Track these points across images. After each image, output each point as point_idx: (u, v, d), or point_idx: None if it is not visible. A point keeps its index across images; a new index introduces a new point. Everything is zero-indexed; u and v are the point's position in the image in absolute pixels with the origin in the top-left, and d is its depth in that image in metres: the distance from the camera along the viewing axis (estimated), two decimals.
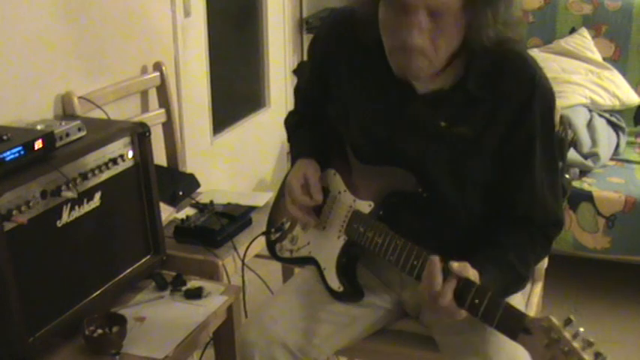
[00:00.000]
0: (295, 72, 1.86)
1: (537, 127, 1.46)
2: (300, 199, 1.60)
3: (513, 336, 1.26)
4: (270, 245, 1.78)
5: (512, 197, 1.51)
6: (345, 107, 1.61)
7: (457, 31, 1.38)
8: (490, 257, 1.44)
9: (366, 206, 1.56)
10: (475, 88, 1.45)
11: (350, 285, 1.60)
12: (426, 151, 1.51)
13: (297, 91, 1.89)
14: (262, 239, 1.85)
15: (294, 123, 1.81)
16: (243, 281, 1.95)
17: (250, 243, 1.92)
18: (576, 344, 1.16)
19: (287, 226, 1.75)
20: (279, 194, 1.82)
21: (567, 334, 1.17)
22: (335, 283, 1.60)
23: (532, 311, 1.86)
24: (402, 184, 1.53)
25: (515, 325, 1.25)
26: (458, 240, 1.52)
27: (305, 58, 3.62)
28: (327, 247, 1.62)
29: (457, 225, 1.55)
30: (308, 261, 1.68)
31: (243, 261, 1.93)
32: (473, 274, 1.34)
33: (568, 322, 1.18)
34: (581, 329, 1.17)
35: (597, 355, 1.15)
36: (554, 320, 1.19)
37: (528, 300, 1.91)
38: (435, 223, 1.54)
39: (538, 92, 1.45)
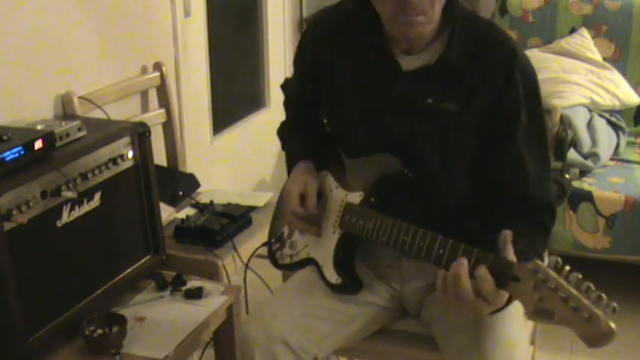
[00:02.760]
0: (282, 87, 1.87)
1: (521, 100, 1.48)
2: (297, 210, 1.63)
3: (503, 285, 1.24)
4: (272, 255, 1.79)
5: (499, 175, 1.51)
6: (338, 95, 1.63)
7: None
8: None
9: (356, 197, 1.58)
10: (458, 61, 1.48)
11: (347, 277, 1.60)
12: (414, 128, 1.53)
13: (287, 102, 1.91)
14: (262, 239, 1.85)
15: (287, 130, 1.84)
16: (245, 286, 1.95)
17: (254, 253, 1.92)
18: (563, 280, 1.14)
19: (286, 234, 1.76)
20: (279, 204, 1.83)
21: (554, 273, 1.15)
22: (333, 277, 1.60)
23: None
24: (388, 169, 1.54)
25: (504, 274, 1.24)
26: (450, 222, 1.52)
27: None
28: (324, 245, 1.63)
29: (447, 207, 1.56)
30: (308, 262, 1.69)
31: (247, 266, 1.92)
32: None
33: (555, 263, 1.16)
34: (568, 267, 1.15)
35: (585, 286, 1.13)
36: (540, 262, 1.17)
37: None
38: (425, 206, 1.54)
39: (519, 65, 1.48)
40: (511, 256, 1.29)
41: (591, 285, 1.13)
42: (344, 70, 1.61)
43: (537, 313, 1.17)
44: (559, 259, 1.16)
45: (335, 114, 1.68)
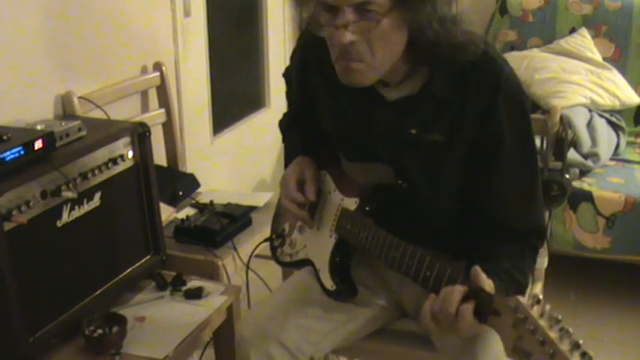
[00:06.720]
0: (284, 75, 1.87)
1: (505, 129, 1.42)
2: (293, 194, 1.61)
3: (483, 319, 1.24)
4: (273, 251, 1.80)
5: (484, 201, 1.48)
6: (325, 113, 1.63)
7: (393, 32, 1.34)
8: (486, 269, 1.37)
9: (352, 203, 1.58)
10: (441, 91, 1.43)
11: (343, 284, 1.60)
12: (400, 157, 1.51)
13: (289, 92, 1.90)
14: (261, 240, 1.85)
15: (287, 124, 1.84)
16: (248, 286, 1.95)
17: (255, 249, 1.92)
18: (542, 322, 1.14)
19: (287, 231, 1.76)
20: (280, 200, 1.83)
21: (534, 313, 1.15)
22: (328, 282, 1.60)
23: None
24: (384, 178, 1.53)
25: (485, 308, 1.23)
26: (440, 238, 1.52)
27: None
28: (321, 248, 1.63)
29: (437, 223, 1.55)
30: (306, 263, 1.69)
31: (247, 266, 1.92)
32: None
33: (536, 301, 1.16)
34: (548, 307, 1.15)
35: (564, 331, 1.13)
36: (522, 300, 1.17)
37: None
38: (417, 218, 1.54)
39: (503, 92, 1.41)
40: (487, 283, 1.27)
41: (570, 329, 1.13)
42: (328, 97, 1.59)
43: (515, 351, 1.18)
44: (539, 295, 1.15)
45: (326, 125, 1.67)
